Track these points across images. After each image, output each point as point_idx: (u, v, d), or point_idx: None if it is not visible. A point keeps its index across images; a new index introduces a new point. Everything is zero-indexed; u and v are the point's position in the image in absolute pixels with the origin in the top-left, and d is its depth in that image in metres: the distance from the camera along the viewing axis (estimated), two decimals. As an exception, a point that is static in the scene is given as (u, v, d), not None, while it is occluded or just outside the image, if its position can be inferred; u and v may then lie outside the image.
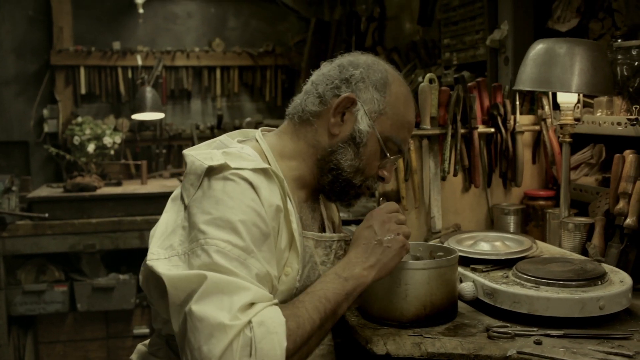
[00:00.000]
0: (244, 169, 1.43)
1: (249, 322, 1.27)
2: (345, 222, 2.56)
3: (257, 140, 1.63)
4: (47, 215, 4.09)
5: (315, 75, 1.65)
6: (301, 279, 1.56)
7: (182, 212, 1.47)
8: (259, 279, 1.36)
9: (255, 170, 1.45)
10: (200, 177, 1.45)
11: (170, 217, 1.50)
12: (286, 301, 1.50)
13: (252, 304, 1.30)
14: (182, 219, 1.46)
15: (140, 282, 1.59)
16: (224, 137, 1.64)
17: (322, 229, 1.71)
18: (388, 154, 1.60)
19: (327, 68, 1.64)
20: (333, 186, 1.62)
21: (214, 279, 1.30)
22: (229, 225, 1.36)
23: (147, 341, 1.73)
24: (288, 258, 1.51)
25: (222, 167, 1.43)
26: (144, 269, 1.55)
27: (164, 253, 1.43)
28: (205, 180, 1.44)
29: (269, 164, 1.55)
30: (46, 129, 5.05)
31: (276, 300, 1.37)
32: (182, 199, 1.50)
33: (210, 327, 1.26)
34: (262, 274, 1.37)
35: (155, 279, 1.42)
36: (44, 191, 4.47)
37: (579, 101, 2.16)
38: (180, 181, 5.07)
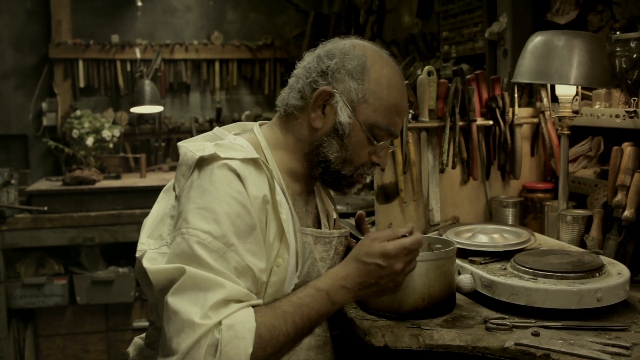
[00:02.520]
0: (233, 159, 1.44)
1: (219, 323, 1.29)
2: (344, 215, 2.56)
3: (254, 132, 1.63)
4: (46, 208, 4.09)
5: (298, 68, 1.63)
6: (301, 275, 1.57)
7: (171, 201, 1.50)
8: (237, 273, 1.37)
9: (244, 160, 1.45)
10: (191, 168, 1.46)
11: (160, 207, 1.54)
12: (278, 292, 1.50)
13: (227, 302, 1.32)
14: (170, 208, 1.49)
15: (137, 273, 1.59)
16: (217, 130, 1.65)
17: (317, 222, 1.71)
18: (375, 141, 1.58)
19: (307, 59, 1.62)
20: (324, 178, 1.62)
21: (191, 273, 1.32)
22: (212, 215, 1.37)
23: (143, 334, 1.74)
24: (279, 249, 1.51)
25: (212, 158, 1.44)
26: (137, 261, 1.56)
27: (153, 243, 1.46)
28: (195, 171, 1.45)
29: (263, 155, 1.56)
30: (45, 122, 5.04)
31: (255, 301, 1.38)
32: (174, 189, 1.52)
33: (181, 322, 1.29)
34: (241, 268, 1.37)
35: (144, 269, 1.44)
36: (43, 184, 4.47)
37: (577, 93, 2.16)
38: (180, 174, 5.03)
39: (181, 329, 1.28)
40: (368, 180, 1.72)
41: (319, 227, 1.71)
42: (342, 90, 1.55)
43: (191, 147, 1.49)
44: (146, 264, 1.40)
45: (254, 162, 1.47)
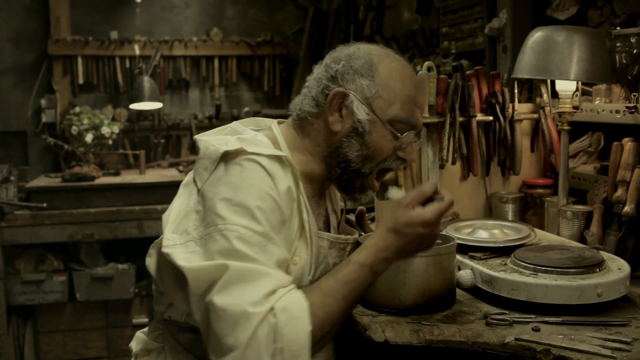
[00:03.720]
0: (261, 154, 1.43)
1: (272, 308, 1.28)
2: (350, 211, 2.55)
3: (272, 130, 1.63)
4: (45, 205, 4.08)
5: (309, 80, 1.65)
6: (313, 279, 1.57)
7: (194, 196, 1.47)
8: (278, 265, 1.37)
9: (270, 157, 1.44)
10: (215, 162, 1.44)
11: (182, 201, 1.49)
12: None
13: (274, 291, 1.31)
14: (194, 203, 1.45)
15: (148, 267, 1.58)
16: (235, 124, 1.64)
17: (327, 224, 1.72)
18: (399, 134, 1.57)
19: (317, 71, 1.64)
20: (341, 179, 1.62)
21: (236, 268, 1.30)
22: (248, 211, 1.36)
23: (145, 329, 1.74)
24: (297, 247, 1.51)
25: (238, 152, 1.43)
26: (155, 255, 1.55)
27: (179, 238, 1.42)
28: (221, 165, 1.44)
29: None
30: (44, 119, 5.03)
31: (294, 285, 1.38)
32: (194, 183, 1.49)
33: (234, 316, 1.27)
34: (281, 260, 1.38)
35: (169, 265, 1.42)
36: (42, 181, 4.46)
37: (577, 89, 2.16)
38: (180, 171, 5.07)
39: (236, 323, 1.26)
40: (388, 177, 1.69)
41: (329, 229, 1.71)
42: (355, 89, 1.55)
43: (213, 141, 1.48)
44: (182, 262, 1.36)
45: (278, 159, 1.46)
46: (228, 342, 1.26)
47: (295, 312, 1.29)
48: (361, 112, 1.55)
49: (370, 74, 1.56)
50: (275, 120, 1.69)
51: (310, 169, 1.61)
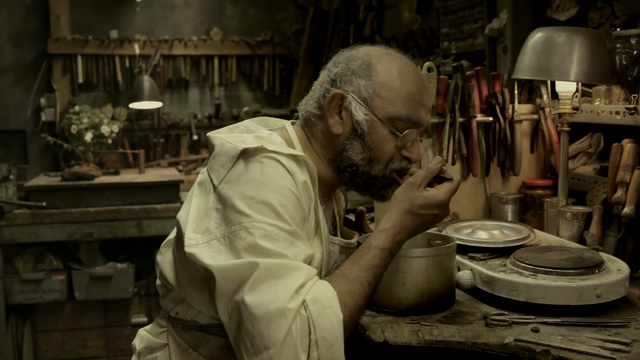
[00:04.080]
0: (280, 153, 1.43)
1: (303, 301, 1.29)
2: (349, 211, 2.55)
3: (286, 131, 1.63)
4: (44, 204, 4.08)
5: (315, 84, 1.66)
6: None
7: (211, 194, 1.45)
8: (305, 261, 1.37)
9: (288, 156, 1.44)
10: (232, 159, 1.43)
11: (200, 201, 1.48)
12: None
13: (303, 284, 1.31)
14: (213, 202, 1.44)
15: (159, 264, 1.57)
16: (248, 122, 1.64)
17: (334, 227, 1.72)
18: (399, 133, 1.56)
19: (322, 74, 1.65)
20: (355, 182, 1.62)
21: (266, 265, 1.30)
22: (273, 209, 1.36)
23: (148, 326, 1.73)
24: (312, 245, 1.51)
25: (258, 150, 1.43)
26: (168, 254, 1.55)
27: (201, 238, 1.41)
28: (240, 162, 1.42)
29: None
30: (43, 117, 5.02)
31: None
32: (211, 180, 1.47)
33: (268, 313, 1.26)
34: (308, 256, 1.39)
35: (188, 266, 1.42)
36: (41, 180, 4.46)
37: (577, 90, 2.16)
38: (179, 170, 5.06)
39: (270, 320, 1.26)
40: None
41: (335, 232, 1.72)
42: (352, 90, 1.56)
43: (229, 139, 1.47)
44: (209, 261, 1.35)
45: (295, 159, 1.46)
46: (263, 341, 1.26)
47: (326, 302, 1.30)
48: (359, 113, 1.55)
49: (368, 74, 1.56)
50: (289, 121, 1.69)
51: (320, 170, 1.60)
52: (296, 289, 1.29)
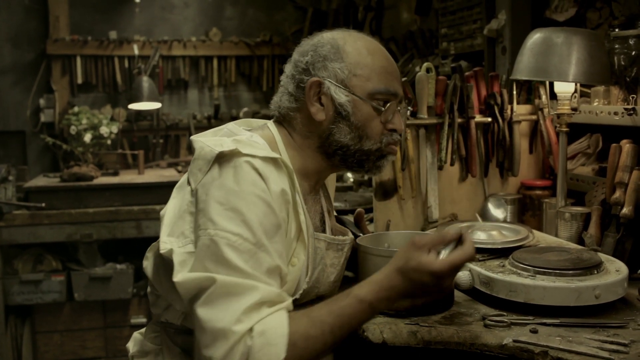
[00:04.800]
0: (255, 156, 1.42)
1: (251, 329, 1.28)
2: (342, 212, 2.56)
3: (269, 129, 1.63)
4: (44, 204, 4.08)
5: (282, 79, 1.66)
6: (310, 281, 1.56)
7: (187, 196, 1.47)
8: (269, 273, 1.36)
9: (265, 159, 1.44)
10: (209, 163, 1.43)
11: (176, 203, 1.50)
12: (289, 292, 1.49)
13: (260, 305, 1.30)
14: (187, 204, 1.45)
15: (145, 270, 1.58)
16: (231, 126, 1.63)
17: (323, 222, 1.71)
18: (382, 107, 1.57)
19: (287, 69, 1.64)
20: (347, 162, 1.61)
21: (222, 282, 1.30)
22: (240, 217, 1.35)
23: (142, 329, 1.73)
24: (295, 249, 1.51)
25: (233, 154, 1.42)
26: (152, 258, 1.55)
27: (176, 242, 1.42)
28: (215, 166, 1.43)
29: (279, 153, 1.56)
30: (43, 118, 5.03)
31: (287, 302, 1.36)
32: (188, 183, 1.48)
33: (214, 331, 1.27)
34: (272, 268, 1.36)
35: (167, 268, 1.43)
36: (40, 181, 4.46)
37: (576, 91, 2.16)
38: (178, 171, 5.07)
39: (215, 338, 1.27)
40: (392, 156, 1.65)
41: (324, 227, 1.71)
42: (328, 75, 1.55)
43: (208, 142, 1.47)
44: (175, 269, 1.37)
45: (273, 161, 1.45)
46: (207, 353, 1.28)
47: (272, 339, 1.27)
48: (340, 96, 1.55)
49: (339, 56, 1.56)
50: (270, 120, 1.68)
51: (305, 165, 1.61)
52: (246, 308, 1.28)
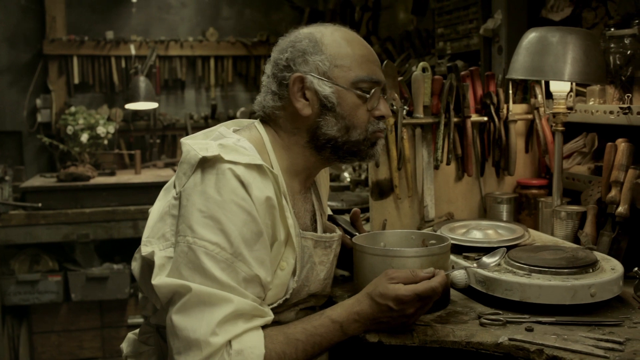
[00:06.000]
0: (238, 163, 1.42)
1: (229, 344, 1.31)
2: (339, 212, 2.56)
3: (257, 129, 1.62)
4: (40, 205, 4.08)
5: (264, 79, 1.66)
6: (299, 279, 1.57)
7: (170, 198, 1.49)
8: (245, 283, 1.38)
9: (248, 166, 1.43)
10: (193, 167, 1.44)
11: (160, 205, 1.52)
12: (279, 295, 1.51)
13: (235, 317, 1.33)
14: (170, 206, 1.48)
15: (133, 271, 1.59)
16: (222, 128, 1.63)
17: (314, 220, 1.71)
18: (367, 95, 1.57)
19: (268, 68, 1.64)
20: (338, 154, 1.60)
21: (198, 291, 1.33)
22: (219, 226, 1.37)
23: (137, 330, 1.74)
24: (284, 253, 1.51)
25: (216, 159, 1.42)
26: (140, 259, 1.56)
27: (157, 244, 1.46)
28: (198, 172, 1.43)
29: (268, 155, 1.56)
30: (39, 118, 5.03)
31: (263, 319, 1.40)
32: (174, 186, 1.50)
33: (187, 340, 1.31)
34: (249, 277, 1.38)
35: (150, 270, 1.44)
36: (37, 181, 4.46)
37: (571, 90, 2.16)
38: (175, 171, 5.07)
39: (188, 347, 1.30)
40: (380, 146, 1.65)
41: (315, 225, 1.71)
42: (310, 69, 1.55)
43: (195, 145, 1.47)
44: (154, 272, 1.41)
45: (257, 167, 1.45)
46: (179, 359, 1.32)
47: (248, 358, 1.32)
48: (324, 88, 1.55)
49: (319, 49, 1.56)
50: (257, 120, 1.67)
51: (294, 162, 1.61)
52: (220, 320, 1.31)
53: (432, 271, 1.48)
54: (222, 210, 1.38)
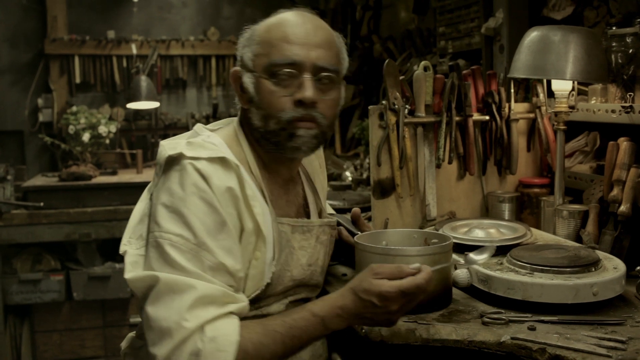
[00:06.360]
0: (199, 158, 1.45)
1: (203, 329, 1.31)
2: (340, 210, 2.56)
3: (234, 126, 1.65)
4: (42, 204, 4.09)
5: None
6: (278, 264, 1.57)
7: (148, 200, 1.54)
8: (212, 271, 1.39)
9: (210, 159, 1.45)
10: (162, 167, 1.49)
11: (141, 206, 1.57)
12: (258, 284, 1.52)
13: (203, 303, 1.34)
14: (146, 207, 1.53)
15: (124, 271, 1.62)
16: (198, 126, 1.66)
17: (305, 213, 1.72)
18: (278, 75, 1.52)
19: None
20: (269, 146, 1.58)
21: (165, 280, 1.35)
22: (182, 218, 1.40)
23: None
24: (257, 243, 1.52)
25: (180, 157, 1.45)
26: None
27: (135, 243, 1.50)
28: (166, 170, 1.48)
29: (242, 148, 1.58)
30: (41, 118, 5.03)
31: (236, 305, 1.39)
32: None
33: (160, 329, 1.32)
34: (215, 266, 1.39)
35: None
36: (39, 180, 4.46)
37: (573, 89, 2.16)
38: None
39: (161, 336, 1.32)
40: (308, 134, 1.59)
41: (307, 217, 1.71)
42: (242, 62, 1.59)
43: (167, 146, 1.50)
44: (127, 269, 1.44)
45: (220, 160, 1.46)
46: (153, 351, 1.33)
47: (222, 345, 1.31)
48: (247, 79, 1.57)
49: (251, 41, 1.58)
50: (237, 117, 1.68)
51: (261, 155, 1.62)
52: (188, 307, 1.32)
53: (419, 267, 1.43)
54: (184, 203, 1.41)
